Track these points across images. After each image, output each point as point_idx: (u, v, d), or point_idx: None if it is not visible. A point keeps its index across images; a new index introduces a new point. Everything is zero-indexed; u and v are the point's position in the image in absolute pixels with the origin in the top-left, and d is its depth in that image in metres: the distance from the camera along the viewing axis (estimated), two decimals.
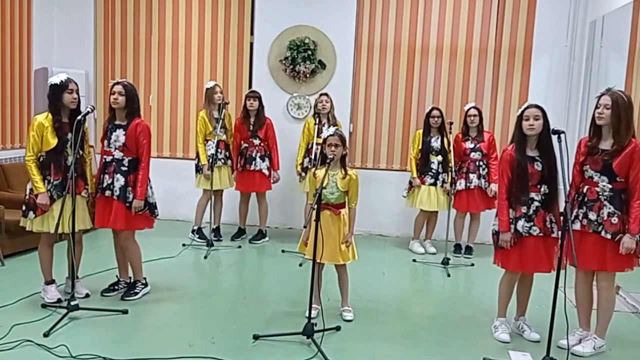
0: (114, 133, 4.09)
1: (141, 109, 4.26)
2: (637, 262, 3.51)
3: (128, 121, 4.09)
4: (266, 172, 6.01)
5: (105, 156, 4.13)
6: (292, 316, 4.04)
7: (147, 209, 4.18)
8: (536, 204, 3.61)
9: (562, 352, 3.49)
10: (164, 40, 6.97)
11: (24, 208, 4.01)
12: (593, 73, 5.98)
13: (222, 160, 5.94)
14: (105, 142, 4.13)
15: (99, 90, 7.09)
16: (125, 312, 3.92)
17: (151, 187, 4.23)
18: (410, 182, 6.04)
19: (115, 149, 4.09)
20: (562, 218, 3.51)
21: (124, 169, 4.08)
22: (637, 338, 4.00)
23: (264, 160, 6.00)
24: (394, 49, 6.69)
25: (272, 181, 6.08)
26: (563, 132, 3.30)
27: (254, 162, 5.97)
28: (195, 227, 6.08)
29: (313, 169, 4.06)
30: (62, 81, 3.90)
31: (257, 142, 5.99)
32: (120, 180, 4.06)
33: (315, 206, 3.60)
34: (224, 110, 5.89)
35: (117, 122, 4.11)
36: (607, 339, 3.67)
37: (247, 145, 6.00)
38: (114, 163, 4.09)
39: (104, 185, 4.09)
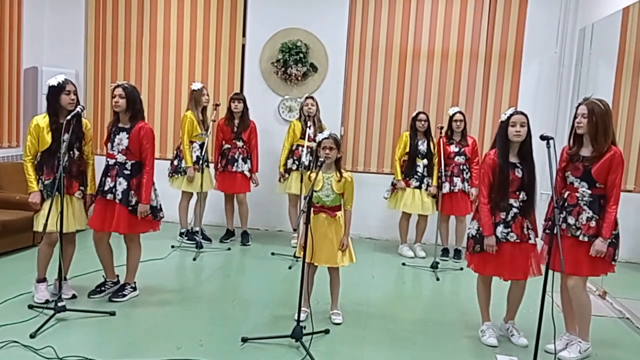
0: (117, 136, 4.08)
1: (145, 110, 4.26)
2: (613, 269, 3.55)
3: (131, 124, 4.08)
4: (247, 174, 6.04)
5: (108, 159, 4.13)
6: (281, 319, 4.04)
7: (150, 212, 4.17)
8: (514, 210, 3.65)
9: (549, 357, 3.52)
10: (155, 41, 6.95)
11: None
12: (582, 79, 6.03)
13: (206, 163, 5.95)
14: (109, 145, 4.12)
15: (89, 90, 7.06)
16: (112, 313, 3.90)
17: (155, 190, 4.23)
18: (394, 184, 6.07)
19: (118, 152, 4.08)
20: (550, 223, 3.56)
21: (126, 172, 4.07)
22: (623, 343, 4.03)
23: (245, 162, 6.02)
24: (385, 53, 6.71)
25: (253, 184, 6.10)
26: (552, 138, 3.32)
27: (236, 164, 5.99)
28: (183, 230, 6.08)
29: (308, 172, 4.07)
30: (59, 83, 3.92)
31: (240, 144, 6.01)
32: (122, 184, 4.05)
33: (306, 209, 3.60)
34: (215, 112, 5.90)
35: (120, 125, 4.11)
36: (594, 343, 3.70)
37: (229, 146, 6.01)
38: (116, 166, 4.08)
39: (106, 188, 4.08)
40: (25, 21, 6.52)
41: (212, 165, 6.14)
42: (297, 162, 5.96)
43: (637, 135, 5.35)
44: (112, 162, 4.11)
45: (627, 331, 4.28)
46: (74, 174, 4.03)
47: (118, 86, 4.08)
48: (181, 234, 6.07)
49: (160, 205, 4.29)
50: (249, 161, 6.05)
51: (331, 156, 3.82)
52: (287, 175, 6.08)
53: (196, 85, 5.95)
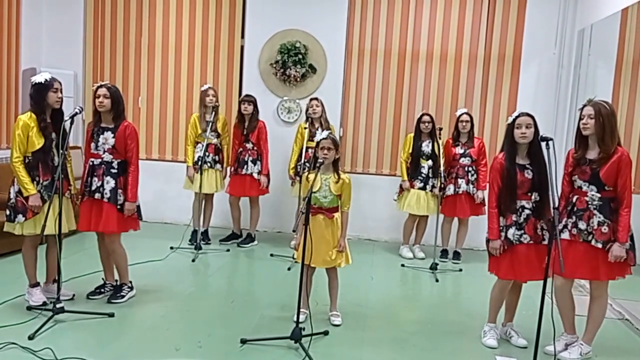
0: (101, 136, 4.06)
1: (127, 110, 4.24)
2: (630, 270, 3.53)
3: (116, 124, 4.06)
4: (257, 176, 6.01)
5: (92, 159, 4.09)
6: (280, 320, 4.03)
7: (136, 211, 4.17)
8: (527, 211, 3.63)
9: (549, 358, 3.52)
10: (154, 41, 6.95)
11: (8, 212, 3.91)
12: (581, 81, 6.03)
13: (209, 164, 5.91)
14: (93, 144, 4.09)
15: (88, 91, 7.04)
16: (111, 315, 3.89)
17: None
18: (401, 186, 6.07)
19: (104, 151, 4.06)
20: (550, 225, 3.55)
21: (113, 171, 4.06)
22: (623, 345, 4.03)
23: (255, 164, 5.99)
24: (384, 54, 6.71)
25: (262, 186, 6.06)
26: (551, 139, 3.32)
27: (246, 166, 5.97)
28: (200, 229, 5.98)
29: (306, 173, 4.07)
30: (46, 80, 3.84)
31: (249, 146, 5.99)
32: (110, 183, 4.04)
33: (305, 210, 3.60)
34: (213, 113, 5.89)
35: (103, 125, 4.08)
36: (594, 345, 3.69)
37: (241, 149, 6.01)
38: (103, 165, 4.06)
39: (93, 188, 4.05)
40: (23, 22, 6.50)
41: (218, 166, 6.02)
42: (308, 165, 5.91)
43: (636, 136, 5.35)
44: (97, 161, 4.07)
45: (627, 332, 4.28)
46: (64, 173, 3.98)
47: (102, 86, 4.06)
48: (196, 233, 5.97)
49: (139, 205, 4.27)
50: (258, 163, 6.01)
51: (329, 157, 3.81)
52: (297, 179, 6.03)
53: (204, 87, 5.96)
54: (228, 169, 6.11)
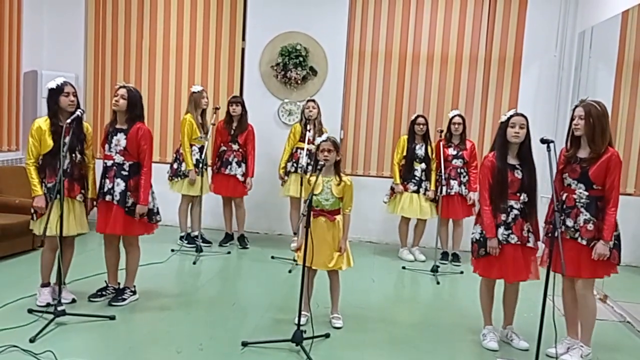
0: (114, 137, 4.08)
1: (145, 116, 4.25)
2: (615, 270, 3.56)
3: (129, 125, 4.07)
4: (241, 178, 5.99)
5: (106, 160, 4.12)
6: (281, 323, 4.02)
7: (146, 215, 4.16)
8: (515, 212, 3.65)
9: None
10: (154, 43, 6.95)
11: (32, 211, 4.05)
12: (582, 83, 6.03)
13: (205, 167, 5.91)
14: (107, 146, 4.12)
15: (89, 93, 7.05)
16: (112, 318, 3.89)
17: (152, 193, 4.21)
18: (392, 188, 6.07)
19: (116, 153, 4.07)
20: (551, 226, 3.55)
21: (124, 173, 4.06)
22: (624, 347, 4.03)
23: (240, 166, 5.98)
24: (385, 56, 6.72)
25: (247, 188, 6.06)
26: (552, 142, 3.32)
27: (229, 167, 5.96)
28: (183, 234, 6.06)
29: (308, 175, 4.07)
30: (58, 85, 3.93)
31: (235, 147, 5.98)
32: (120, 185, 4.04)
33: (306, 213, 3.60)
34: (214, 115, 5.89)
35: (117, 126, 4.10)
36: (595, 347, 3.69)
37: (225, 149, 6.00)
38: (114, 167, 4.07)
39: (105, 190, 4.07)
40: (24, 25, 6.51)
41: (207, 168, 6.07)
42: (295, 165, 5.97)
43: (636, 138, 5.35)
44: (110, 163, 4.10)
45: (628, 335, 4.27)
46: (75, 176, 4.02)
47: (123, 87, 4.10)
48: (181, 238, 6.06)
49: (157, 208, 4.28)
50: (243, 165, 6.01)
51: (330, 158, 3.82)
52: (286, 178, 6.07)
53: (196, 88, 5.94)
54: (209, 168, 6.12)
